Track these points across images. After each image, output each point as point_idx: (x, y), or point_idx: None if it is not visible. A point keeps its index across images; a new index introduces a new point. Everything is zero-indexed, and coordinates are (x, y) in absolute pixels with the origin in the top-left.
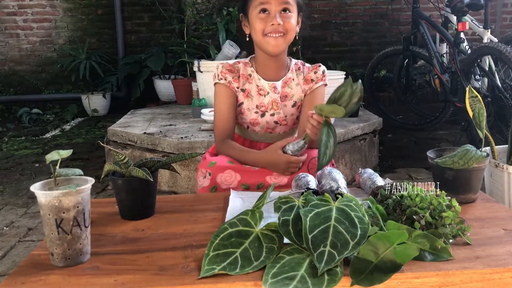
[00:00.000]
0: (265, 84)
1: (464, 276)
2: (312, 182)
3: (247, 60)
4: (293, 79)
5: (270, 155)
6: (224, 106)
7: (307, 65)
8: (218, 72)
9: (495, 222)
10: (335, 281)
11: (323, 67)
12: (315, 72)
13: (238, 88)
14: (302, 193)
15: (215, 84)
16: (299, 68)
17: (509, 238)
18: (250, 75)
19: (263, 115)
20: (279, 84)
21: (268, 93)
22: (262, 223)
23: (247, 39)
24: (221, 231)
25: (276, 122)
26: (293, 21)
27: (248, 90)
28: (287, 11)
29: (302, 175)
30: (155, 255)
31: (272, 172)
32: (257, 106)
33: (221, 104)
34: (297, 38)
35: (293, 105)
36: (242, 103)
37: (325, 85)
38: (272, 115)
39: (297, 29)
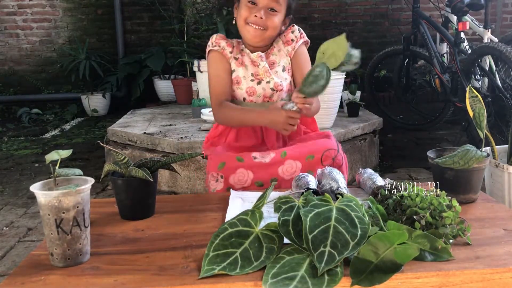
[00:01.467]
0: (254, 56)
1: (464, 276)
2: (312, 182)
3: (239, 40)
4: (274, 47)
5: (270, 112)
6: (219, 72)
7: (283, 28)
8: (212, 40)
9: (495, 222)
10: (335, 281)
11: (297, 27)
12: (293, 32)
13: (231, 54)
14: (302, 193)
15: (208, 52)
16: (278, 36)
17: (509, 238)
18: (242, 50)
19: (259, 82)
20: (263, 55)
21: (259, 64)
22: (262, 223)
23: (234, 22)
24: (221, 231)
25: (272, 89)
26: (277, 20)
27: (241, 59)
28: (274, 10)
29: (302, 175)
30: (155, 255)
31: (283, 161)
32: (252, 74)
33: (215, 70)
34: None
35: (283, 70)
36: (234, 71)
37: (306, 42)
38: (268, 82)
39: (280, 28)
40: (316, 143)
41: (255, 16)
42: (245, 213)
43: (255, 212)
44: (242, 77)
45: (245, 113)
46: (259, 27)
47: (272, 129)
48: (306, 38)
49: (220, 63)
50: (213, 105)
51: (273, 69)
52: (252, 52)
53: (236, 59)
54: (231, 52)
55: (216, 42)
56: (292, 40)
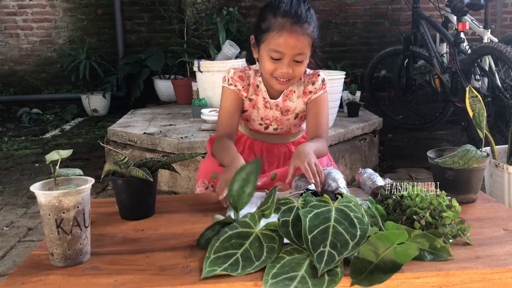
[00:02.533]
0: (270, 100)
1: (464, 276)
2: (312, 184)
3: (257, 67)
4: (294, 91)
5: (233, 164)
6: (230, 108)
7: (308, 71)
8: (228, 76)
9: (495, 222)
10: (336, 281)
11: (322, 76)
12: (313, 83)
13: (246, 97)
14: (302, 194)
15: (223, 86)
16: (300, 79)
17: (509, 238)
18: (257, 86)
19: (266, 127)
20: (279, 100)
21: (271, 108)
22: (262, 223)
23: (256, 63)
24: (221, 234)
25: (278, 134)
26: (303, 68)
27: (255, 101)
28: (300, 61)
29: (302, 175)
30: (155, 255)
31: (273, 183)
32: (261, 118)
33: (227, 103)
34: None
35: (295, 117)
36: (246, 111)
37: (326, 91)
38: (276, 129)
39: (307, 71)
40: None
41: (281, 71)
42: (244, 215)
43: (254, 214)
44: (252, 118)
45: (222, 155)
46: (286, 79)
47: (275, 154)
48: (327, 88)
49: (232, 99)
50: (217, 136)
51: (286, 116)
52: (269, 93)
53: (250, 100)
54: (246, 97)
55: (233, 81)
56: (311, 92)
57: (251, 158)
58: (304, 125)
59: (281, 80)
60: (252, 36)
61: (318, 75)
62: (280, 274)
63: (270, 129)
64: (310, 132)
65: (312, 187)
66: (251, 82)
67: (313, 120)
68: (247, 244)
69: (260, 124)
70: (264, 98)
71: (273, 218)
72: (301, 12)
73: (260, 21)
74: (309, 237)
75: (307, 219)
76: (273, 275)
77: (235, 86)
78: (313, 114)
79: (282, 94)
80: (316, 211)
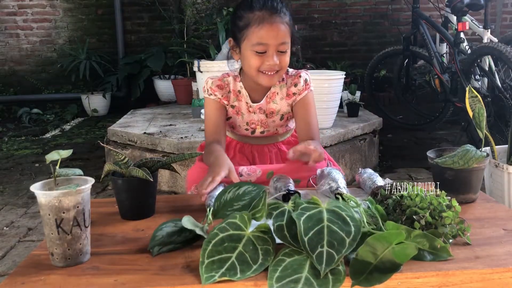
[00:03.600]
0: (252, 104)
1: (464, 276)
2: (291, 184)
3: (236, 73)
4: (277, 93)
5: (216, 161)
6: (213, 117)
7: (290, 72)
8: (207, 87)
9: (495, 222)
10: (340, 280)
11: (304, 76)
12: (296, 85)
13: (227, 104)
14: (284, 196)
15: (205, 97)
16: (282, 79)
17: (509, 238)
18: (239, 91)
19: (253, 132)
20: (263, 103)
21: (255, 112)
22: (252, 224)
23: (237, 65)
24: (212, 237)
25: (266, 136)
26: (288, 57)
27: (238, 107)
28: (284, 51)
29: (280, 176)
30: (155, 255)
31: (269, 181)
32: (247, 123)
33: (211, 112)
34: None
35: (281, 119)
36: (230, 117)
37: (311, 90)
38: (262, 132)
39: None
40: (303, 168)
41: (269, 64)
42: (233, 216)
43: (243, 214)
44: (237, 125)
45: (209, 156)
46: (274, 72)
47: (266, 154)
48: (311, 87)
49: (214, 109)
50: (205, 143)
51: (271, 118)
52: (251, 97)
53: (233, 107)
54: (227, 104)
55: (212, 91)
56: (294, 93)
57: (243, 161)
58: (291, 124)
59: (269, 73)
60: (230, 39)
61: (300, 76)
62: (284, 278)
63: (257, 133)
64: (301, 134)
65: (292, 187)
66: (231, 89)
67: (303, 123)
68: (241, 247)
69: (247, 129)
70: (247, 103)
71: (262, 220)
72: (276, 3)
73: (237, 20)
74: (305, 239)
75: (301, 222)
76: (277, 279)
77: (215, 95)
78: (301, 116)
79: (265, 97)
80: (308, 213)
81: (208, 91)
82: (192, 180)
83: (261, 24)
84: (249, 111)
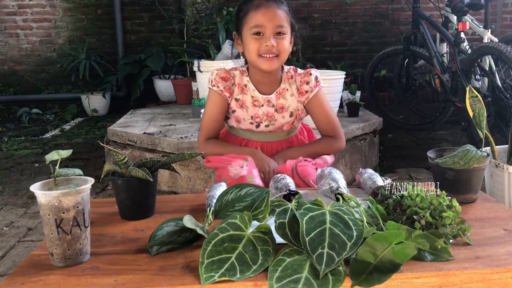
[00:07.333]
0: (260, 97)
1: (464, 276)
2: (292, 184)
3: (244, 68)
4: (287, 89)
5: (256, 152)
6: (214, 110)
7: (299, 71)
8: (212, 77)
9: (495, 222)
10: (340, 280)
11: (314, 74)
12: (308, 83)
13: (230, 97)
14: (285, 195)
15: (209, 88)
16: (291, 77)
17: (509, 238)
18: (245, 85)
19: (258, 125)
20: (273, 97)
21: (262, 105)
22: (252, 225)
23: (241, 57)
24: (212, 237)
25: (271, 131)
26: (286, 42)
27: (242, 100)
28: (281, 34)
29: (281, 177)
30: (155, 255)
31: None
32: (252, 117)
33: (211, 107)
34: (294, 50)
35: (290, 115)
36: (235, 111)
37: (321, 86)
38: (267, 126)
39: (290, 48)
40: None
41: (266, 45)
42: (233, 216)
43: (243, 215)
44: (242, 118)
45: (229, 149)
46: (273, 55)
47: (268, 153)
48: (321, 84)
49: (216, 103)
50: (200, 138)
51: (280, 113)
52: (259, 90)
53: (237, 100)
54: (230, 94)
55: (215, 82)
56: (307, 91)
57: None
58: (297, 123)
59: (268, 56)
60: (235, 33)
61: (310, 74)
62: (283, 278)
63: (262, 127)
64: (324, 129)
65: (292, 187)
66: (236, 82)
67: (323, 117)
68: (241, 248)
69: (251, 123)
70: (252, 96)
71: (265, 221)
72: None
73: (239, 12)
74: (307, 239)
75: (304, 222)
76: (277, 279)
77: (217, 87)
78: (319, 112)
79: (275, 92)
80: (311, 214)
81: (212, 82)
82: (226, 160)
83: (257, 9)
84: (254, 105)
